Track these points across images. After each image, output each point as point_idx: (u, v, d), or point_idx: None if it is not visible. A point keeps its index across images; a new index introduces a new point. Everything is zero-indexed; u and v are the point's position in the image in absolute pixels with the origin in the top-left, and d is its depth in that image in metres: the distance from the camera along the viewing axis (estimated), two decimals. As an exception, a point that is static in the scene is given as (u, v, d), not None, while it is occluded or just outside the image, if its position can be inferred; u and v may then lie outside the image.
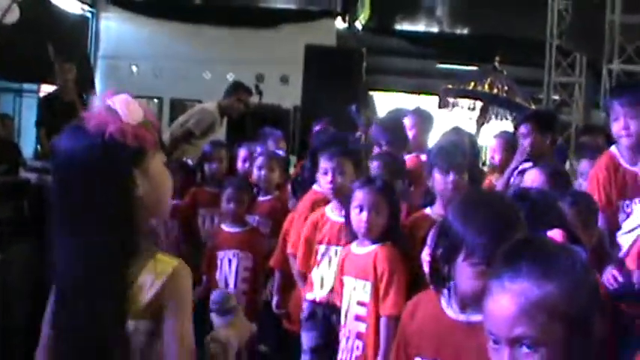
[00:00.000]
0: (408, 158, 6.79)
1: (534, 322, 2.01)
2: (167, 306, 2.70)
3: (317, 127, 8.88)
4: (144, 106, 2.83)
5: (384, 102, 16.82)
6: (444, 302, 3.04)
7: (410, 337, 3.18)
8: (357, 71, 10.65)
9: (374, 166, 6.00)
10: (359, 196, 4.94)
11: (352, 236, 5.02)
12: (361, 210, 4.89)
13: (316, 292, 5.41)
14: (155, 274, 2.70)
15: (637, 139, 4.67)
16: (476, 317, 2.77)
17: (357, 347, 4.84)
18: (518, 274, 2.04)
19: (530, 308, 2.01)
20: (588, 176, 5.19)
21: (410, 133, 7.11)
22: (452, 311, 3.02)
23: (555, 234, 2.30)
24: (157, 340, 2.71)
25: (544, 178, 4.92)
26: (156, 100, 16.98)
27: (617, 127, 4.81)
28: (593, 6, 13.62)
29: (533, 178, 4.98)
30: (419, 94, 17.48)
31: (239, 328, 4.23)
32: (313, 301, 5.42)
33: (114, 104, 2.73)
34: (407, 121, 7.21)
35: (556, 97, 15.19)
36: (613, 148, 4.99)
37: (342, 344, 4.91)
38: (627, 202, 4.77)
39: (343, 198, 5.21)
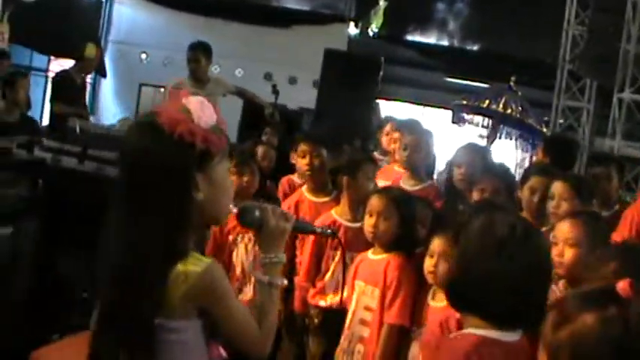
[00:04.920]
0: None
1: None
2: (208, 306, 2.73)
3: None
4: (218, 112, 2.80)
5: (390, 111, 16.86)
6: None
7: None
8: (372, 79, 10.65)
9: None
10: (371, 202, 5.02)
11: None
12: (370, 215, 4.96)
13: (330, 299, 5.47)
14: (185, 273, 2.67)
15: None
16: None
17: (359, 351, 4.90)
18: None
19: None
20: (624, 213, 5.25)
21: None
22: None
23: None
24: (182, 338, 2.73)
25: (568, 188, 5.03)
26: (162, 90, 16.96)
27: None
28: (609, 34, 13.67)
29: (559, 190, 5.05)
30: (425, 105, 17.52)
31: None
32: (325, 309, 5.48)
33: (188, 104, 2.73)
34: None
35: (561, 121, 15.23)
36: None
37: (344, 346, 4.95)
38: None
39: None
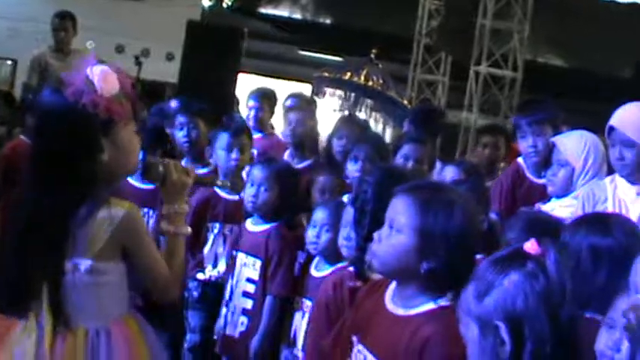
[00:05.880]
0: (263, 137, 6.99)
1: None
2: (131, 245, 3.07)
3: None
4: (123, 78, 3.08)
5: (243, 83, 16.78)
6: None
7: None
8: (236, 51, 10.57)
9: None
10: (253, 172, 5.02)
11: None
12: (252, 186, 4.94)
13: (209, 271, 5.40)
14: (110, 217, 2.98)
15: (544, 155, 4.85)
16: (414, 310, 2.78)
17: (242, 323, 4.89)
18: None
19: None
20: (495, 182, 5.46)
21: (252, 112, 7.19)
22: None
23: None
24: (110, 280, 3.08)
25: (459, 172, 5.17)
26: (9, 62, 16.45)
27: (524, 145, 5.05)
28: (465, 9, 13.96)
29: (451, 174, 5.18)
30: (278, 78, 17.49)
31: None
32: (204, 282, 5.39)
33: (92, 75, 2.97)
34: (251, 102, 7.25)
35: (416, 94, 15.47)
36: (520, 160, 5.27)
37: (227, 319, 4.93)
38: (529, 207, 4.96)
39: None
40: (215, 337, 5.03)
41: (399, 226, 2.76)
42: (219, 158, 5.44)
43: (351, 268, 3.75)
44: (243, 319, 4.89)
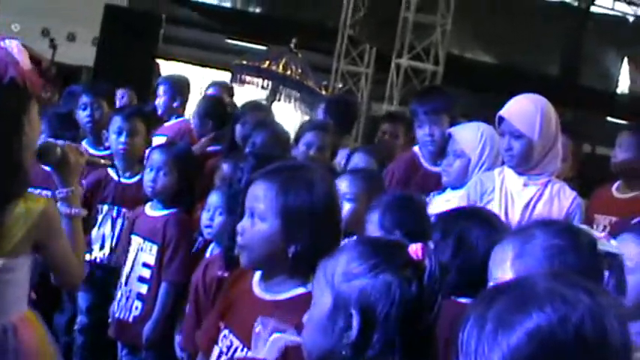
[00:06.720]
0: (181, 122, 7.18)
1: None
2: (46, 241, 2.96)
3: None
4: (31, 53, 2.90)
5: (170, 71, 16.68)
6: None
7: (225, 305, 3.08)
8: (153, 37, 10.49)
9: None
10: (152, 156, 5.00)
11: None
12: (150, 170, 4.92)
13: (96, 252, 5.36)
14: (26, 213, 2.84)
15: (440, 145, 4.87)
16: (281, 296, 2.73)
17: (136, 307, 4.87)
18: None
19: None
20: (386, 169, 5.39)
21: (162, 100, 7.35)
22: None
23: None
24: (17, 276, 2.93)
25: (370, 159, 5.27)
26: None
27: (421, 134, 5.04)
28: (389, 1, 14.04)
29: (361, 160, 5.28)
30: (205, 67, 17.45)
31: None
32: (91, 262, 5.33)
33: (11, 48, 2.78)
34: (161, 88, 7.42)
35: (340, 85, 15.52)
36: (416, 149, 5.25)
37: (122, 303, 4.90)
38: (423, 196, 4.97)
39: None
40: (109, 320, 4.99)
41: (260, 214, 2.70)
42: (111, 141, 5.42)
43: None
44: (138, 304, 4.86)
